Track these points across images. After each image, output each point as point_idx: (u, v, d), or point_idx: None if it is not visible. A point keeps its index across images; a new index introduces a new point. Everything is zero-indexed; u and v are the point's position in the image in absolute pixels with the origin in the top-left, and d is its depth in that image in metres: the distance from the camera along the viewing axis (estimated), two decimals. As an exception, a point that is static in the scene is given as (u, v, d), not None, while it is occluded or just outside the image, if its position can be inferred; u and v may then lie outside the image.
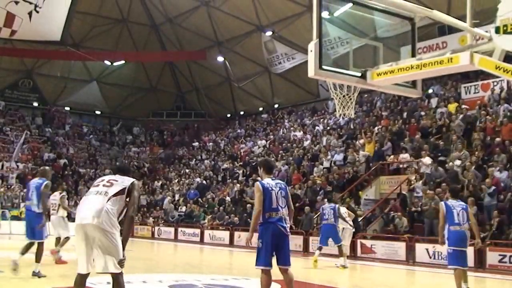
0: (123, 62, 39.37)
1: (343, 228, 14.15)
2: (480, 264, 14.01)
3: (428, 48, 21.64)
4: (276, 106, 37.07)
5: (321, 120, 29.63)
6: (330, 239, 13.62)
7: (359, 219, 18.00)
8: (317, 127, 28.62)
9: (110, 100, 42.28)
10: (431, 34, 22.63)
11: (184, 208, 27.83)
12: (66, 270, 10.11)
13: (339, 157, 22.89)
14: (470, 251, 9.82)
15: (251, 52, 34.55)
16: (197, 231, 24.89)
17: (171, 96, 43.90)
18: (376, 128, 23.26)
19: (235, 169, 29.26)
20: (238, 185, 26.29)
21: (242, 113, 40.19)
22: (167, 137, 42.36)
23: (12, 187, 29.89)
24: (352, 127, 26.05)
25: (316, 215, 18.99)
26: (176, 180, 32.51)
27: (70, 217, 12.22)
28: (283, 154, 26.93)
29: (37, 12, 29.69)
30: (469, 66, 5.64)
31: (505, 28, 5.33)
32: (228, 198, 26.00)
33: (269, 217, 6.38)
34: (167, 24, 37.71)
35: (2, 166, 32.03)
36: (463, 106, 20.81)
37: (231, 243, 22.32)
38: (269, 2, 30.63)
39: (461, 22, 6.01)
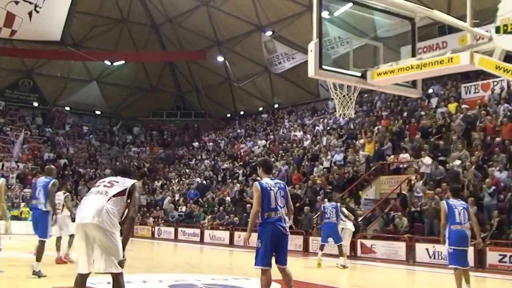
0: (123, 62, 39.38)
1: (342, 228, 14.15)
2: (480, 264, 14.00)
3: (428, 48, 21.63)
4: (276, 106, 37.07)
5: (321, 120, 29.63)
6: (330, 238, 13.64)
7: (359, 219, 17.99)
8: (317, 127, 28.62)
9: (110, 100, 42.29)
10: (431, 34, 22.63)
11: (184, 208, 27.84)
12: (66, 270, 10.11)
13: (339, 157, 22.89)
14: (470, 251, 9.80)
15: (251, 52, 34.55)
16: (197, 231, 24.90)
17: (171, 96, 43.90)
18: (376, 128, 23.27)
19: (235, 169, 29.26)
20: (238, 185, 26.29)
21: (242, 113, 40.19)
22: (167, 137, 42.37)
23: (12, 187, 29.90)
24: (352, 127, 26.05)
25: (316, 215, 18.99)
26: (176, 180, 32.52)
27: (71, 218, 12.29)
28: (283, 154, 26.94)
29: (37, 12, 29.68)
30: (469, 66, 5.64)
31: (505, 27, 5.33)
32: (228, 198, 26.00)
33: (268, 217, 6.37)
34: (167, 24, 37.72)
35: (2, 166, 32.03)
36: (463, 106, 20.81)
37: (231, 243, 22.32)
38: (269, 2, 30.63)
39: (461, 22, 6.01)
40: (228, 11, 32.82)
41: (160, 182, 33.30)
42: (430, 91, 24.12)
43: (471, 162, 17.13)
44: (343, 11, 6.47)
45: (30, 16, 29.75)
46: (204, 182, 29.94)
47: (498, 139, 17.82)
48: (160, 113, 43.63)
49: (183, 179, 32.16)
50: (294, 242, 18.45)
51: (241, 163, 29.40)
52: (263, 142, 30.91)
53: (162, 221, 28.25)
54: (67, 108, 41.67)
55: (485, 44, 5.61)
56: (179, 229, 26.06)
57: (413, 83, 6.74)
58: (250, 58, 35.32)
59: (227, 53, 36.20)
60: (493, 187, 15.64)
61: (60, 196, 12.45)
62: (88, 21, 36.47)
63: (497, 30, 5.39)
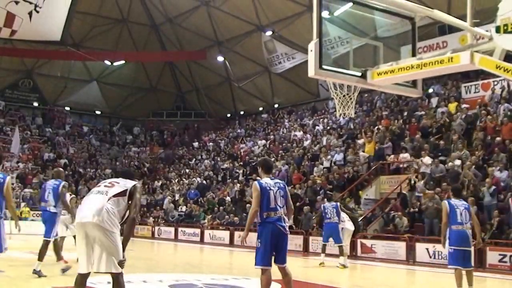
0: (123, 62, 39.37)
1: (342, 228, 14.15)
2: (480, 263, 13.99)
3: (429, 48, 21.61)
4: (276, 106, 37.06)
5: (321, 120, 29.63)
6: (331, 238, 13.65)
7: (359, 219, 17.98)
8: (317, 127, 28.62)
9: (110, 100, 42.28)
10: (432, 33, 22.61)
11: (184, 208, 27.85)
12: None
13: (339, 157, 22.89)
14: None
15: (251, 52, 34.54)
16: (197, 231, 24.90)
17: (171, 96, 43.90)
18: (376, 127, 23.26)
19: (235, 169, 29.26)
20: (238, 185, 26.29)
21: (242, 113, 40.18)
22: (167, 137, 42.37)
23: (13, 186, 29.86)
24: (352, 126, 26.05)
25: (316, 215, 18.96)
26: (176, 180, 32.52)
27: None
28: (283, 154, 26.93)
29: (37, 12, 29.66)
30: (470, 66, 5.63)
31: (505, 27, 5.32)
32: (228, 198, 26.00)
33: (267, 217, 6.37)
34: (167, 24, 37.71)
35: (3, 166, 32.00)
36: (464, 106, 20.81)
37: (231, 243, 22.32)
38: (269, 2, 30.62)
39: (462, 22, 6.00)
40: (228, 11, 32.81)
41: (160, 182, 33.31)
42: (430, 90, 24.11)
43: (471, 162, 17.13)
44: (343, 11, 6.46)
45: (30, 16, 29.74)
46: (204, 182, 29.93)
47: (498, 138, 17.82)
48: (160, 113, 43.62)
49: (183, 179, 32.16)
50: (294, 242, 18.45)
51: (241, 163, 29.41)
52: (263, 142, 30.91)
53: (162, 221, 28.26)
54: (67, 108, 41.66)
55: (485, 43, 5.61)
56: (179, 229, 26.07)
57: (413, 83, 6.73)
58: (250, 58, 35.31)
59: (227, 53, 36.19)
60: (493, 187, 15.64)
61: (66, 198, 12.62)
62: (88, 21, 36.46)
63: (497, 30, 5.38)
